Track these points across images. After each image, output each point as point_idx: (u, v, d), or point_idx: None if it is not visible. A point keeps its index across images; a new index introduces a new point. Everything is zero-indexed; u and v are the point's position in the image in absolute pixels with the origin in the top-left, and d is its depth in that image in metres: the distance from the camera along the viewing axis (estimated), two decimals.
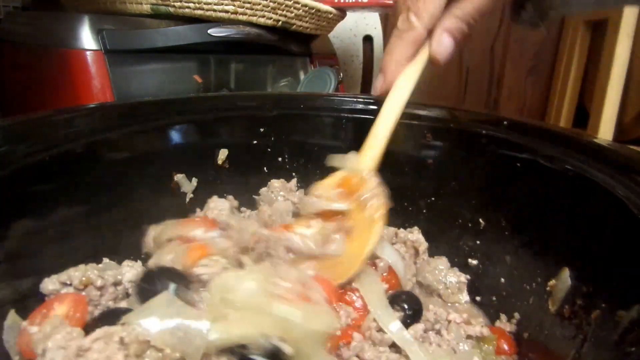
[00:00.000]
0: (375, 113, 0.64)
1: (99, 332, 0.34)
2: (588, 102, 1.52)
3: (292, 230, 0.51)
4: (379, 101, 0.65)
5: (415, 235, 0.64)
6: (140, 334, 0.36)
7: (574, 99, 1.59)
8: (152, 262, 0.49)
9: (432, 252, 0.64)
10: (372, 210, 0.53)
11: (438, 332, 0.50)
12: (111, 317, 0.39)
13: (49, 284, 0.41)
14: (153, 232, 0.54)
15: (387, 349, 0.45)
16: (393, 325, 0.46)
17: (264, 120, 0.64)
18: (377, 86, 0.60)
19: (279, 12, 0.83)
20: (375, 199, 0.53)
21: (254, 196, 0.66)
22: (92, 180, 0.49)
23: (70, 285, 0.42)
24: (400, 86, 0.62)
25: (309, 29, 0.92)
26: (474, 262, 0.61)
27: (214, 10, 0.77)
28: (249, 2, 0.78)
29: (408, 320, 0.48)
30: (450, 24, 0.56)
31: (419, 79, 0.63)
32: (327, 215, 0.53)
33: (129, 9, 0.76)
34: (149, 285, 0.42)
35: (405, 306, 0.48)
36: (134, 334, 0.36)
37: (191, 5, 0.76)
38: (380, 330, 0.46)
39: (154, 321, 0.38)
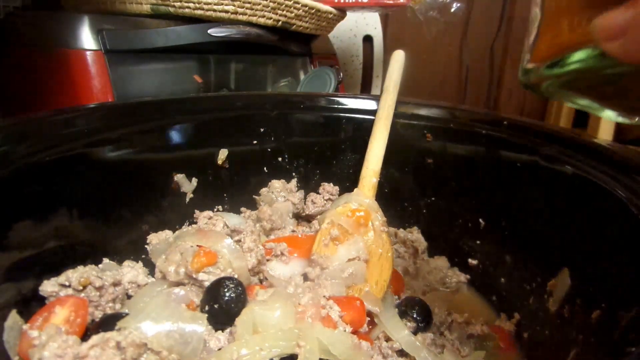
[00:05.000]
0: (374, 113, 0.64)
1: (95, 338, 0.34)
2: None
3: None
4: (379, 101, 0.65)
5: (415, 235, 0.65)
6: (137, 337, 0.36)
7: None
8: (159, 263, 0.49)
9: (432, 252, 0.64)
10: (379, 243, 0.55)
11: (441, 334, 0.50)
12: (112, 321, 0.39)
13: (48, 286, 0.41)
14: (161, 237, 0.55)
15: (394, 355, 0.45)
16: (402, 336, 0.46)
17: (264, 120, 0.64)
18: None
19: (279, 12, 0.83)
20: (381, 234, 0.55)
21: (254, 196, 0.66)
22: (92, 180, 0.49)
23: (69, 286, 0.42)
24: (387, 93, 0.63)
25: (309, 29, 0.92)
26: (474, 262, 0.61)
27: (214, 10, 0.77)
28: (249, 2, 0.78)
29: (419, 331, 0.48)
30: None
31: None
32: (340, 239, 0.54)
33: (129, 9, 0.76)
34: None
35: (418, 318, 0.48)
36: (130, 337, 0.36)
37: (191, 5, 0.76)
38: (388, 339, 0.47)
39: (150, 324, 0.39)
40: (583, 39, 0.24)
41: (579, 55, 0.25)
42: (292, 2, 0.82)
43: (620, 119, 0.30)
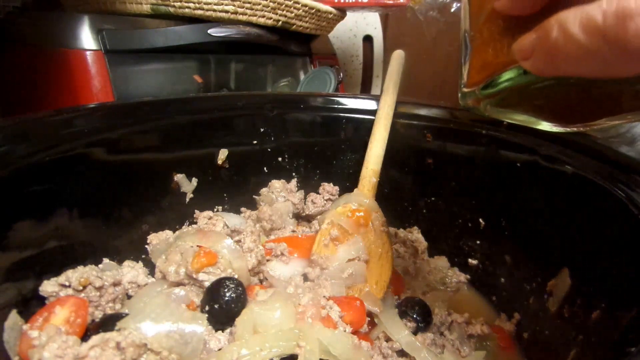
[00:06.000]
0: (374, 113, 0.64)
1: (95, 338, 0.35)
2: None
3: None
4: (379, 101, 0.65)
5: (415, 235, 0.65)
6: (137, 337, 0.36)
7: None
8: (159, 263, 0.49)
9: (432, 252, 0.64)
10: (379, 243, 0.55)
11: (442, 334, 0.50)
12: (112, 322, 0.39)
13: (48, 286, 0.41)
14: (161, 237, 0.55)
15: (394, 355, 0.45)
16: (402, 336, 0.46)
17: (264, 120, 0.64)
18: None
19: (279, 12, 0.83)
20: (381, 234, 0.56)
21: (254, 196, 0.66)
22: (92, 180, 0.49)
23: (69, 286, 0.42)
24: (387, 93, 0.63)
25: (309, 29, 0.92)
26: (474, 262, 0.61)
27: (214, 10, 0.77)
28: (249, 2, 0.78)
29: (419, 331, 0.48)
30: None
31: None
32: (340, 239, 0.54)
33: (129, 9, 0.76)
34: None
35: (418, 318, 0.48)
36: (130, 338, 0.36)
37: (191, 5, 0.76)
38: (388, 339, 0.47)
39: (150, 324, 0.39)
40: (507, 60, 0.28)
41: (506, 75, 0.29)
42: (292, 2, 0.82)
43: (555, 129, 0.34)
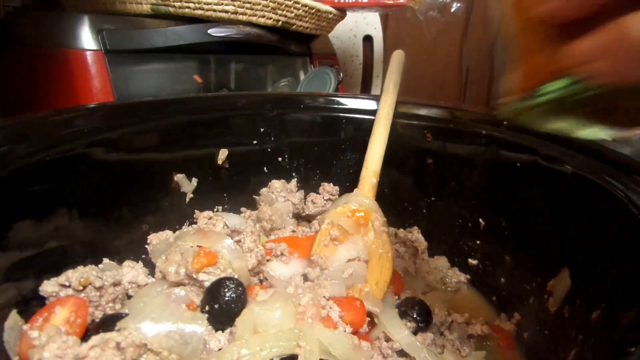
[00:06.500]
0: (374, 113, 0.64)
1: (95, 339, 0.35)
2: None
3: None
4: (379, 101, 0.65)
5: (415, 235, 0.64)
6: (137, 338, 0.36)
7: None
8: (159, 263, 0.49)
9: (432, 252, 0.64)
10: (379, 244, 0.55)
11: (442, 334, 0.50)
12: (112, 322, 0.39)
13: (48, 286, 0.41)
14: (161, 237, 0.55)
15: (394, 355, 0.45)
16: (402, 336, 0.46)
17: (264, 120, 0.64)
18: None
19: (279, 12, 0.83)
20: (381, 234, 0.55)
21: (254, 196, 0.66)
22: (92, 180, 0.49)
23: (69, 286, 0.42)
24: (387, 93, 0.63)
25: (309, 29, 0.92)
26: (474, 262, 0.61)
27: (214, 10, 0.77)
28: (249, 2, 0.78)
29: (419, 331, 0.48)
30: None
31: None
32: (340, 239, 0.54)
33: (129, 9, 0.76)
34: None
35: (418, 318, 0.48)
36: (130, 338, 0.36)
37: (191, 5, 0.76)
38: (388, 339, 0.47)
39: (150, 325, 0.39)
40: (553, 69, 0.27)
41: (553, 86, 0.28)
42: (292, 2, 0.82)
43: (598, 136, 0.32)
